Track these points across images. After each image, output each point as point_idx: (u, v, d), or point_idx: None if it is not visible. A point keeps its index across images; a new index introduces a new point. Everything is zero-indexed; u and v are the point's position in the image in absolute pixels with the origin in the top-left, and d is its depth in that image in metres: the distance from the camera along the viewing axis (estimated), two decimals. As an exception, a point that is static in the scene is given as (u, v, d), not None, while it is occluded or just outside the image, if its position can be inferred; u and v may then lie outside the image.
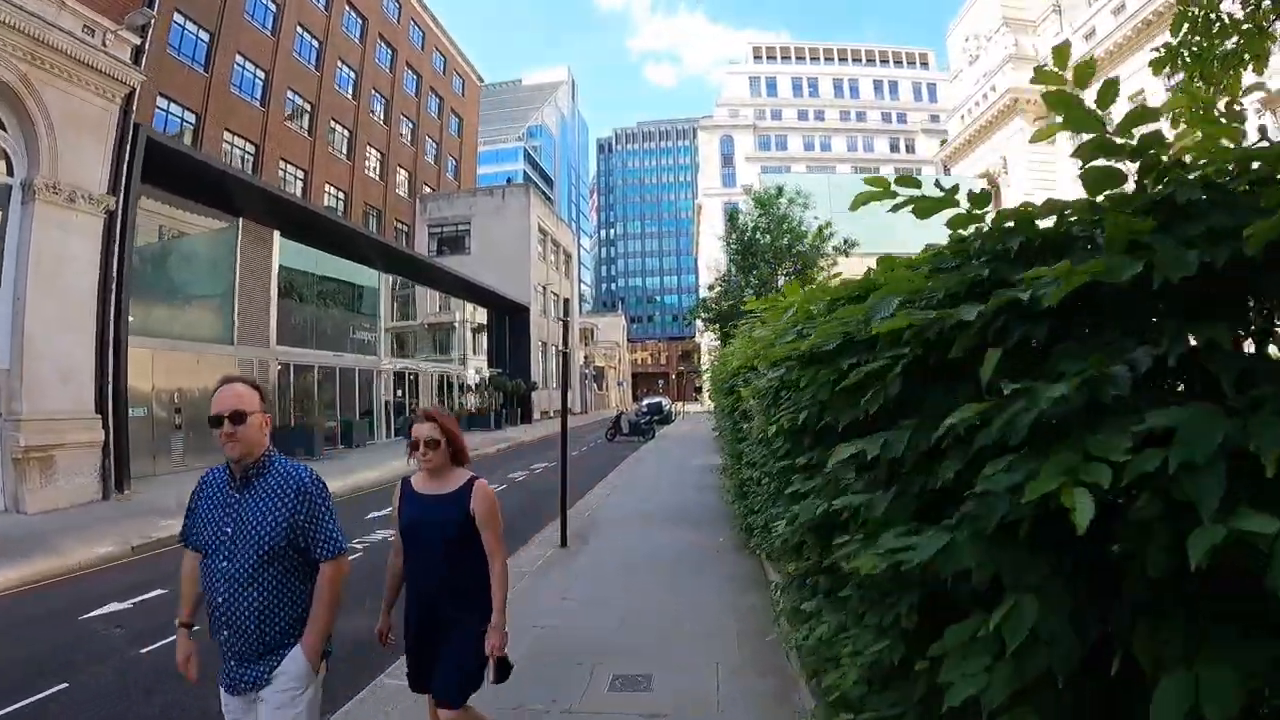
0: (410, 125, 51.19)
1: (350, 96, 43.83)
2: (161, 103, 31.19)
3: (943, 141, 74.43)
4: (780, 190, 28.25)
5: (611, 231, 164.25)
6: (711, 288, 31.73)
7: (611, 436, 29.80)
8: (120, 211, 16.42)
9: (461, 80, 61.05)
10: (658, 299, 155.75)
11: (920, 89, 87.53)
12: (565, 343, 10.36)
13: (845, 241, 27.25)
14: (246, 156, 35.85)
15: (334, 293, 27.57)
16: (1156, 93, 42.48)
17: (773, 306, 3.29)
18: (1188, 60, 4.22)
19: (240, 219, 22.57)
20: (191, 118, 32.94)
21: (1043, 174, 52.06)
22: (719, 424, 16.42)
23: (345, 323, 27.91)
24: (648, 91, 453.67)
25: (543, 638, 6.25)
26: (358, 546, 10.61)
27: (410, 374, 32.78)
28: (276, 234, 23.87)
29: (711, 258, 55.73)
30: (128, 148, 16.65)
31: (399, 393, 31.24)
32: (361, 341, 28.67)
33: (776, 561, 6.26)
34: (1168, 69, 4.84)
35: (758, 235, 27.84)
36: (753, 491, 7.23)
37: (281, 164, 37.54)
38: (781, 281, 27.43)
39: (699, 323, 42.41)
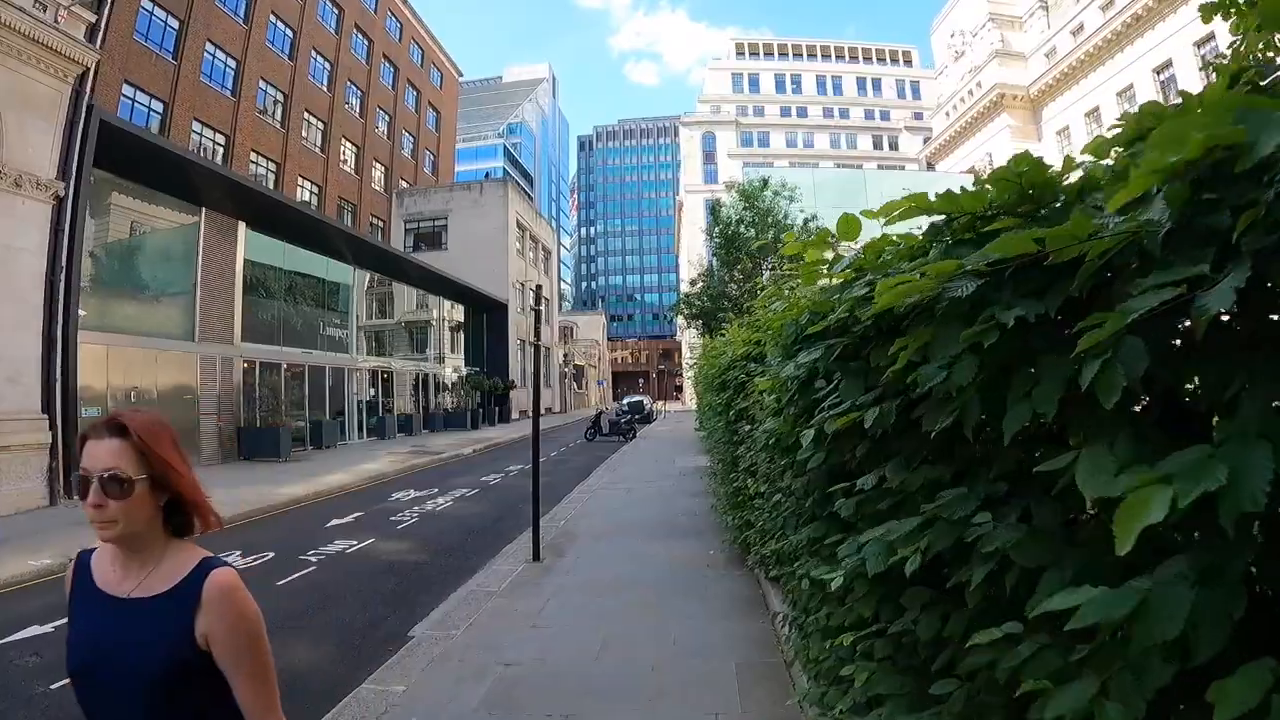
0: (386, 119, 50.12)
1: (325, 88, 42.76)
2: (128, 91, 30.20)
3: (926, 139, 74.27)
4: (765, 182, 27.56)
5: (592, 229, 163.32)
6: (693, 283, 30.95)
7: (591, 436, 28.95)
8: (71, 198, 15.41)
9: (440, 74, 60.00)
10: (638, 297, 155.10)
11: (904, 86, 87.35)
12: (535, 334, 9.40)
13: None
14: (217, 148, 34.78)
15: (304, 288, 26.55)
16: (1146, 90, 42.34)
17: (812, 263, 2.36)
18: (1242, 5, 3.46)
19: (204, 209, 21.57)
20: (159, 107, 31.86)
21: (1027, 171, 51.53)
22: (706, 424, 15.65)
23: (316, 319, 26.88)
24: (629, 90, 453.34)
25: (506, 680, 5.31)
26: (311, 559, 9.76)
27: (384, 372, 31.74)
28: (242, 226, 22.86)
29: (694, 253, 55.10)
30: (79, 130, 15.62)
31: (372, 391, 30.23)
32: (333, 339, 27.67)
33: (779, 583, 5.49)
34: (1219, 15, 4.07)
35: (741, 228, 27.11)
36: (754, 505, 6.39)
37: (253, 156, 36.48)
38: (766, 276, 26.71)
39: (680, 320, 41.72)
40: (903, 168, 70.05)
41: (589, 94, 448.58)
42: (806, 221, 26.86)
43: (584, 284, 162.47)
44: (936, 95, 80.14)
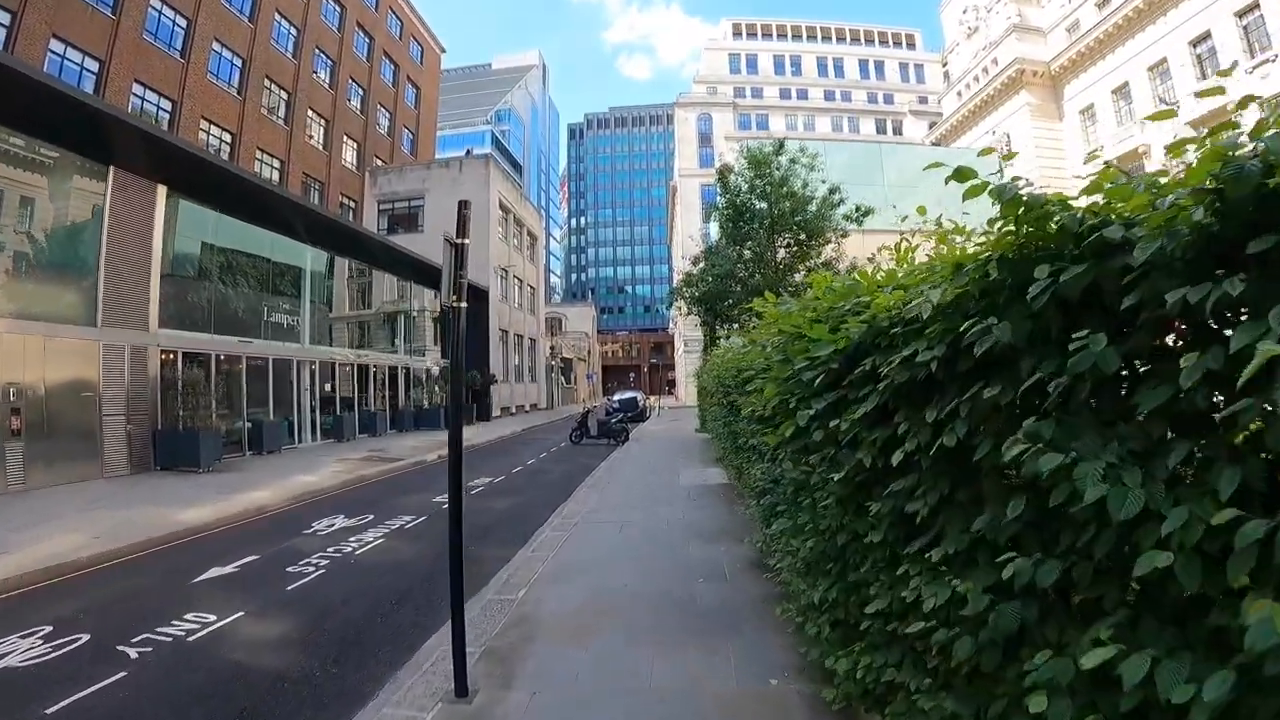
0: (360, 92, 46.38)
1: (289, 54, 39.02)
2: (57, 46, 26.74)
3: (932, 124, 71.08)
4: (781, 144, 23.94)
5: (582, 219, 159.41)
6: (695, 261, 27.16)
7: (577, 439, 25.30)
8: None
9: (420, 48, 56.26)
10: (629, 289, 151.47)
11: (907, 69, 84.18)
12: (456, 292, 5.66)
13: (857, 209, 22.99)
14: (162, 113, 31.10)
15: (245, 267, 22.89)
16: (1182, 64, 38.94)
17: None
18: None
19: (111, 168, 17.92)
20: (94, 65, 28.22)
21: (1050, 152, 48.39)
22: (727, 428, 12.19)
23: (259, 304, 23.20)
24: (621, 84, 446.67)
25: None
26: (130, 653, 6.21)
27: (344, 366, 28.00)
28: (162, 190, 19.19)
29: (689, 241, 51.50)
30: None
31: (327, 387, 26.48)
32: (281, 326, 23.98)
33: None
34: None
35: (752, 200, 23.48)
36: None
37: (204, 124, 32.79)
38: (781, 255, 23.16)
39: (675, 311, 37.98)
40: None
41: (581, 87, 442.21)
42: (832, 191, 23.35)
43: (574, 275, 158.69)
44: (943, 77, 77.57)
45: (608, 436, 24.68)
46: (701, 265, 25.82)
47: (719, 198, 25.04)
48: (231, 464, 19.33)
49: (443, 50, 60.39)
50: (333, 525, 11.57)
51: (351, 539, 10.53)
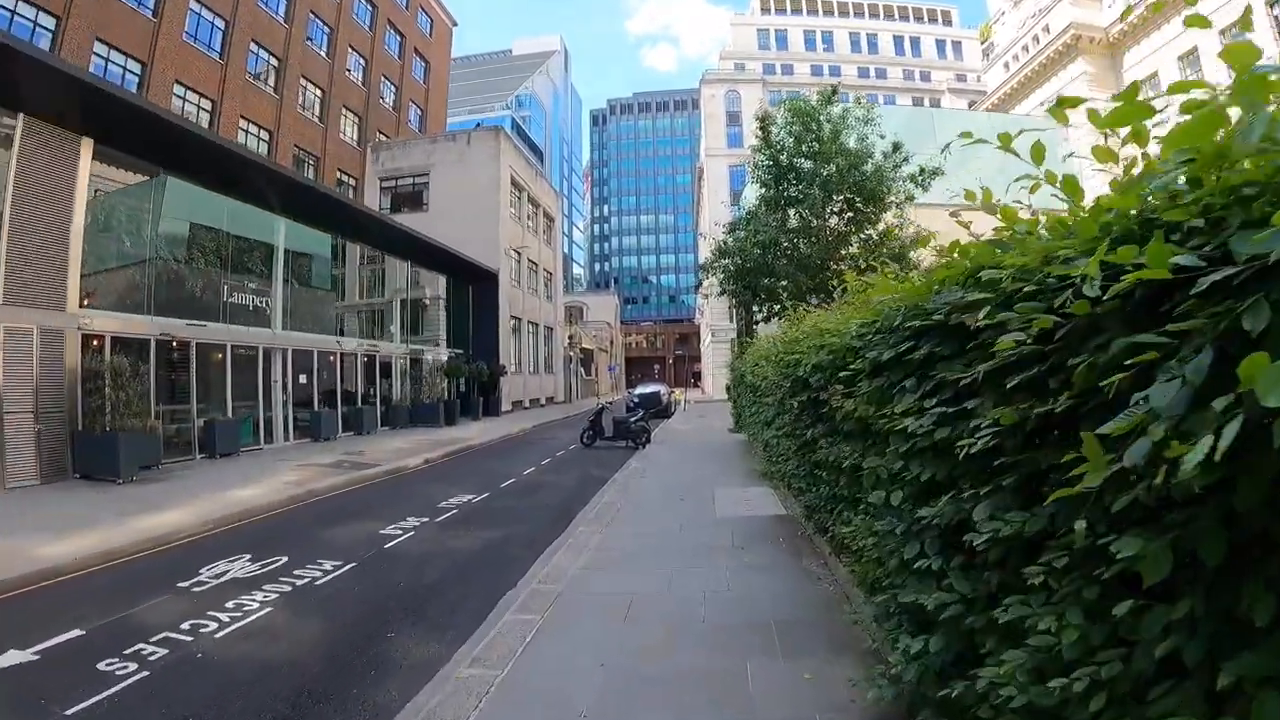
0: (361, 63, 43.05)
1: (281, 19, 35.74)
2: (7, 1, 23.74)
3: (971, 103, 67.11)
4: (834, 91, 20.27)
5: (605, 208, 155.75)
6: (732, 228, 23.35)
7: (590, 440, 21.55)
8: None
9: (429, 19, 52.89)
10: (653, 279, 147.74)
11: (944, 46, 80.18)
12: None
13: (922, 170, 19.33)
14: (130, 75, 27.95)
15: (199, 240, 19.65)
16: (1261, 22, 34.80)
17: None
18: None
19: (21, 115, 14.66)
20: (50, 22, 25.12)
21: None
22: (789, 437, 8.77)
23: (216, 282, 19.89)
24: (645, 75, 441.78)
25: None
26: None
27: (329, 355, 24.63)
28: (88, 144, 15.89)
29: (719, 216, 47.73)
30: None
31: (303, 379, 23.08)
32: (245, 309, 20.65)
33: None
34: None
35: (798, 159, 19.78)
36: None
37: (177, 88, 29.58)
38: (833, 221, 19.52)
39: (701, 299, 34.28)
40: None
41: (604, 78, 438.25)
42: (896, 147, 19.67)
43: (597, 265, 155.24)
44: (982, 55, 73.75)
45: (625, 438, 20.98)
46: (740, 233, 22.01)
47: (756, 154, 21.35)
48: (170, 471, 16.05)
49: (454, 24, 56.98)
50: (223, 575, 8.15)
51: (229, 604, 7.08)
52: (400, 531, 10.22)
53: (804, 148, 19.64)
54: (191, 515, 11.50)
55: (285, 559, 8.90)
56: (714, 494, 11.86)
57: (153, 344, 17.20)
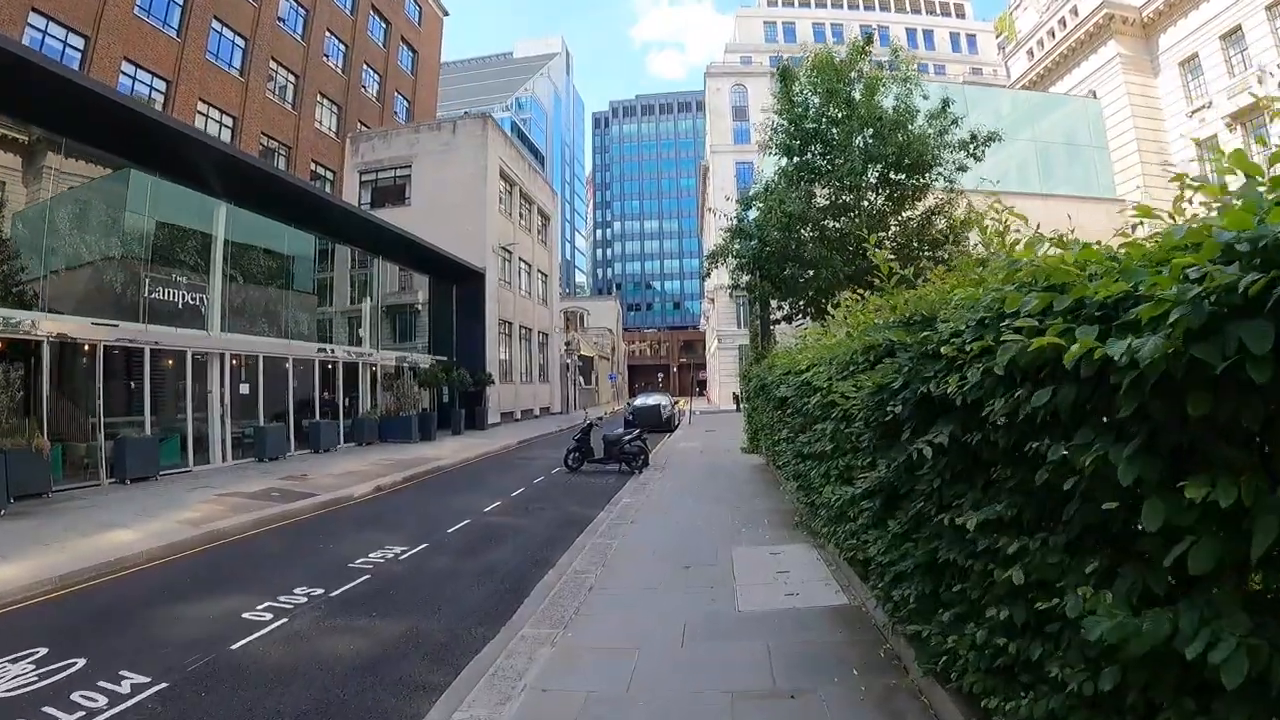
0: (341, 48, 39.99)
1: (249, -4, 32.72)
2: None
3: (989, 95, 63.99)
4: (867, 41, 17.16)
5: (608, 212, 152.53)
6: (746, 203, 19.98)
7: (575, 463, 17.98)
8: None
9: (419, 8, 49.92)
10: (657, 285, 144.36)
11: (958, 39, 77.30)
12: None
13: (974, 137, 16.21)
14: (71, 50, 24.95)
15: (111, 224, 16.57)
16: None
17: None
18: None
19: None
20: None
21: (1146, 111, 41.14)
22: (848, 464, 5.62)
23: (135, 274, 16.80)
24: (650, 81, 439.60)
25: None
26: None
27: (276, 359, 21.49)
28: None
29: (725, 212, 44.51)
30: None
31: (246, 387, 19.88)
32: (175, 308, 17.55)
33: None
34: None
35: (825, 124, 16.57)
36: None
37: (127, 66, 26.56)
38: (870, 197, 16.34)
39: (708, 299, 31.01)
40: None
41: (609, 83, 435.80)
42: (946, 105, 16.58)
43: (599, 271, 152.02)
44: (998, 48, 70.93)
45: (617, 460, 17.61)
46: (757, 208, 18.58)
47: (775, 115, 18.16)
48: (60, 501, 12.94)
49: (445, 14, 53.96)
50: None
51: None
52: (269, 616, 6.93)
53: (832, 109, 16.44)
54: (26, 570, 8.40)
55: (82, 662, 5.76)
56: (732, 557, 8.41)
57: (45, 346, 14.11)
